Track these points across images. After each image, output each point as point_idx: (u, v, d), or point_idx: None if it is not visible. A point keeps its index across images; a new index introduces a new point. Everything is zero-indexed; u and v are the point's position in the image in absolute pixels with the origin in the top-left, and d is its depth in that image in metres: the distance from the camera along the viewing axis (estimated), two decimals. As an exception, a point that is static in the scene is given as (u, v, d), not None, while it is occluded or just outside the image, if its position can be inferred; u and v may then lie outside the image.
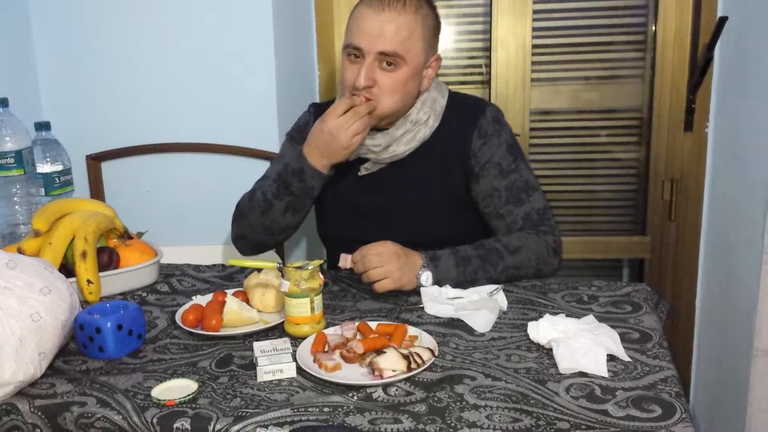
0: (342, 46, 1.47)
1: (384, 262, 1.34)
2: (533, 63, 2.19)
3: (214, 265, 1.62)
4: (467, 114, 1.54)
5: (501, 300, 1.32)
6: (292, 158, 1.49)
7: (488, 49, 2.19)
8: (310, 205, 1.54)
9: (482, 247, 1.45)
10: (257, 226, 1.55)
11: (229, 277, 1.55)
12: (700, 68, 2.04)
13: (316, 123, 1.46)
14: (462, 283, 1.39)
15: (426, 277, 1.38)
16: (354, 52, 1.43)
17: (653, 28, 2.13)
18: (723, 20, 1.94)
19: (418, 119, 1.49)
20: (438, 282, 1.38)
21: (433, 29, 1.47)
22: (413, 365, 1.07)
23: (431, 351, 1.12)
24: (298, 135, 1.63)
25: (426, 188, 1.53)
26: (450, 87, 1.61)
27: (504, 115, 1.58)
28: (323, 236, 1.69)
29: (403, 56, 1.41)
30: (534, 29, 2.17)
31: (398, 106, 1.46)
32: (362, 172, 1.54)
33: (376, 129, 1.49)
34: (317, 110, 1.62)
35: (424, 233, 1.48)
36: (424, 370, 1.08)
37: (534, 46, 2.18)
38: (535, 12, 2.15)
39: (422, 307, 1.33)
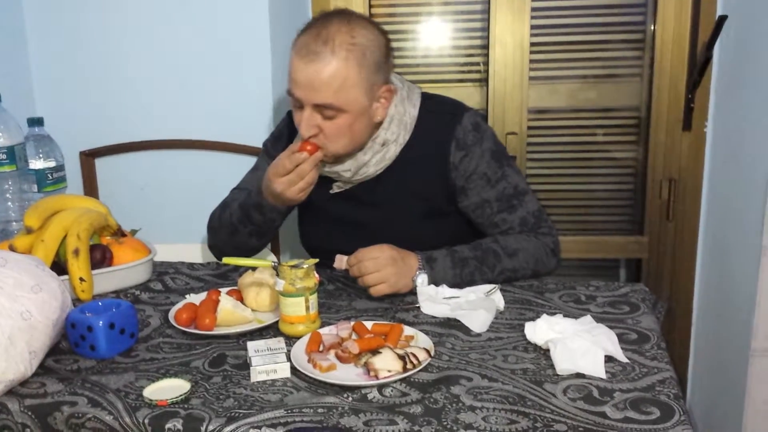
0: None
1: (380, 267, 1.33)
2: (531, 61, 2.17)
3: (208, 263, 1.61)
4: (442, 122, 1.48)
5: (498, 300, 1.31)
6: (255, 189, 1.47)
7: (486, 46, 2.18)
8: (275, 230, 1.55)
9: (479, 248, 1.43)
10: (227, 244, 1.55)
11: (223, 276, 1.54)
12: (699, 67, 2.03)
13: (267, 171, 1.39)
14: (459, 285, 1.38)
15: (422, 280, 1.36)
16: (295, 101, 1.38)
17: (652, 26, 2.12)
18: (722, 19, 1.93)
19: (386, 139, 1.44)
20: (434, 283, 1.37)
21: (375, 63, 1.36)
22: (409, 366, 1.06)
23: (427, 351, 1.10)
24: (272, 146, 1.61)
25: (402, 200, 1.49)
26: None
27: (483, 118, 1.51)
28: (306, 248, 1.66)
29: (340, 107, 1.34)
30: (532, 27, 2.15)
31: (349, 148, 1.41)
32: (334, 189, 1.51)
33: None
34: (291, 121, 1.55)
35: (402, 244, 1.41)
36: (420, 370, 1.07)
37: (532, 44, 2.16)
38: (533, 9, 2.14)
39: (418, 307, 1.31)
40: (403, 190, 1.49)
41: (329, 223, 1.56)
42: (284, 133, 1.61)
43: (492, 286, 1.36)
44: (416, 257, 1.38)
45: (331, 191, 1.51)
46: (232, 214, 1.52)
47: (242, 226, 1.49)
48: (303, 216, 1.63)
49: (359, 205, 1.51)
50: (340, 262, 1.37)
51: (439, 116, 1.49)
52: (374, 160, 1.45)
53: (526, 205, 1.49)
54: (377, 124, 1.43)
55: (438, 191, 1.49)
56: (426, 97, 1.51)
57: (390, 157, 1.46)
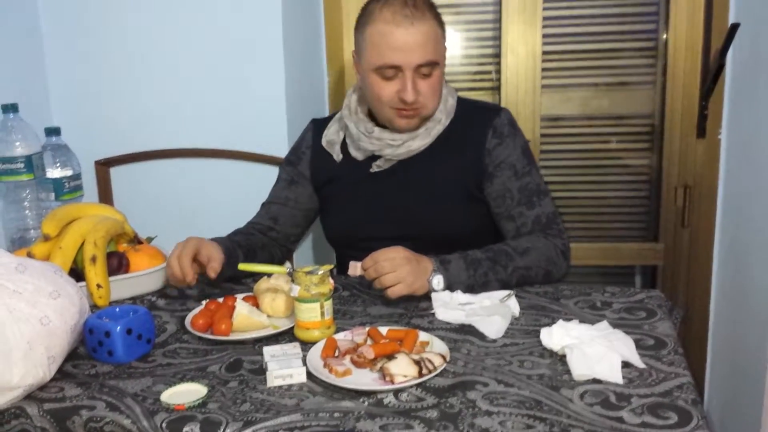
0: (366, 66, 1.48)
1: (396, 267, 1.33)
2: (543, 69, 2.18)
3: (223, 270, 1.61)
4: (481, 113, 1.58)
5: (513, 306, 1.31)
6: None
7: (498, 55, 2.18)
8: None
9: (491, 250, 1.45)
10: None
11: (239, 282, 1.54)
12: (712, 74, 2.03)
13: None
14: (473, 287, 1.39)
15: (437, 280, 1.37)
16: (388, 72, 1.45)
17: (664, 34, 2.12)
18: (735, 27, 1.93)
19: (435, 117, 1.53)
20: (449, 286, 1.37)
21: (442, 23, 1.50)
22: (424, 371, 1.06)
23: (443, 357, 1.10)
24: (292, 155, 1.69)
25: (437, 184, 1.55)
26: (459, 93, 1.62)
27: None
28: (332, 239, 1.69)
29: (437, 60, 1.46)
30: (544, 36, 2.16)
31: (437, 106, 1.53)
32: (374, 168, 1.56)
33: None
34: (316, 126, 1.68)
35: (435, 228, 1.49)
36: (436, 375, 1.07)
37: (544, 53, 2.17)
38: (545, 19, 2.15)
39: (433, 313, 1.31)
40: (439, 173, 1.55)
41: (362, 206, 1.59)
42: (307, 140, 1.68)
43: (507, 292, 1.35)
44: (430, 260, 1.38)
45: (371, 170, 1.56)
46: None
47: None
48: (333, 204, 1.65)
49: (396, 185, 1.56)
50: (354, 268, 1.37)
51: (477, 109, 1.61)
52: (422, 134, 1.53)
53: (543, 205, 1.53)
54: None
55: (471, 176, 1.55)
56: (461, 97, 1.62)
57: (433, 135, 1.54)
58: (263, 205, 1.70)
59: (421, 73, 1.45)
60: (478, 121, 1.56)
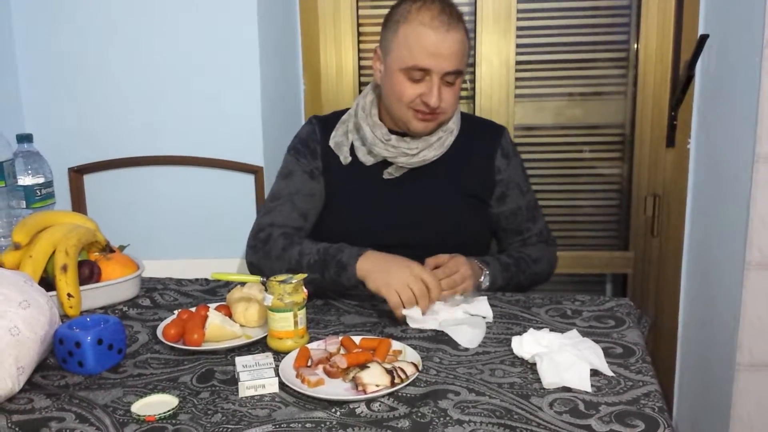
0: (393, 64, 1.46)
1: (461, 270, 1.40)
2: (517, 79, 2.21)
3: (196, 279, 1.61)
4: (487, 131, 1.64)
5: (486, 310, 1.33)
6: (349, 253, 1.39)
7: (472, 64, 2.20)
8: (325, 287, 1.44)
9: (512, 256, 1.58)
10: (274, 272, 1.40)
11: (212, 291, 1.54)
12: (681, 85, 2.07)
13: (407, 265, 1.32)
14: (503, 287, 1.51)
15: (486, 281, 1.47)
16: (416, 74, 1.45)
17: (635, 45, 2.15)
18: (704, 38, 1.96)
19: (448, 127, 1.56)
20: (490, 285, 1.48)
21: None
22: (397, 380, 1.06)
23: (415, 366, 1.11)
24: (304, 148, 1.60)
25: (444, 193, 1.58)
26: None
27: None
28: (332, 241, 1.54)
29: (462, 70, 1.48)
30: (518, 46, 2.19)
31: (453, 114, 1.56)
32: (386, 176, 1.57)
33: (409, 135, 1.54)
34: (321, 123, 1.62)
35: (439, 236, 1.53)
36: (408, 385, 1.08)
37: (518, 63, 2.20)
38: (518, 29, 2.17)
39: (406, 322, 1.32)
40: (447, 183, 1.58)
41: (368, 211, 1.57)
42: (314, 134, 1.61)
43: (481, 298, 1.37)
44: (475, 261, 1.47)
45: (383, 177, 1.57)
46: (303, 255, 1.42)
47: (309, 271, 1.38)
48: (340, 203, 1.59)
49: (404, 192, 1.57)
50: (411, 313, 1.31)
51: (482, 125, 1.67)
52: (437, 144, 1.54)
53: (541, 218, 1.68)
54: None
55: (479, 188, 1.61)
56: (462, 112, 1.65)
57: (446, 145, 1.56)
58: (279, 200, 1.56)
59: (446, 80, 1.46)
60: (485, 136, 1.62)
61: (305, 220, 1.56)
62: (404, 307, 1.29)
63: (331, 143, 1.58)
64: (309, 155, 1.59)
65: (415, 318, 1.30)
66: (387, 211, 1.57)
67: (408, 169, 1.56)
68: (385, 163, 1.56)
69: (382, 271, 1.32)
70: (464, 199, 1.59)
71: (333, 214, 1.60)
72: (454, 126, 1.57)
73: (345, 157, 1.57)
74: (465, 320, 1.29)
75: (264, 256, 1.48)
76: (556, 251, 1.70)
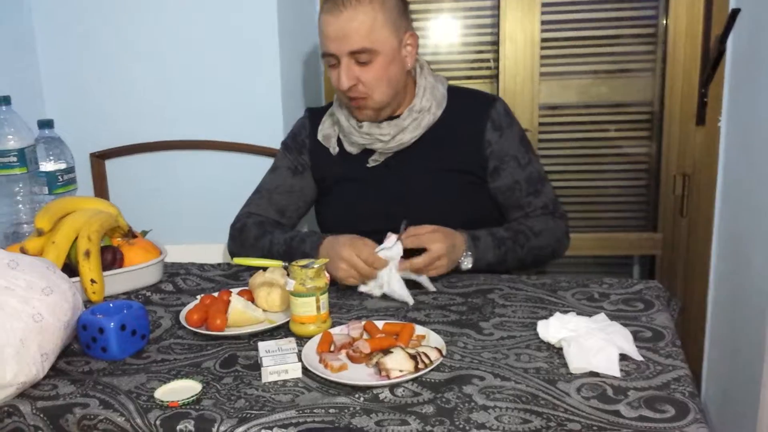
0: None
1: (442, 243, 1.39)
2: (542, 57, 2.16)
3: (219, 264, 1.61)
4: (475, 103, 1.58)
5: (425, 282, 1.39)
6: (310, 240, 1.47)
7: (496, 43, 2.16)
8: None
9: (511, 229, 1.52)
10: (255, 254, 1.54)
11: (234, 276, 1.54)
12: (712, 61, 2.01)
13: (341, 247, 1.38)
14: (493, 264, 1.46)
15: (467, 262, 1.44)
16: (330, 60, 1.47)
17: (664, 20, 2.09)
18: (735, 12, 1.90)
19: (422, 107, 1.53)
20: (475, 263, 1.44)
21: (396, 9, 1.47)
22: (421, 365, 1.05)
23: (439, 351, 1.10)
24: (292, 142, 1.67)
25: (435, 175, 1.55)
26: (457, 82, 1.62)
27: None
28: (329, 232, 1.65)
29: (373, 48, 1.44)
30: (542, 22, 2.14)
31: (390, 93, 1.50)
32: (371, 164, 1.56)
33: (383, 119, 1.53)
34: (312, 115, 1.67)
35: (434, 219, 1.47)
36: (432, 370, 1.06)
37: (543, 40, 2.15)
38: (543, 5, 2.12)
39: (431, 302, 1.31)
40: (436, 163, 1.55)
41: (361, 199, 1.58)
42: (306, 127, 1.66)
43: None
44: (463, 238, 1.43)
45: (367, 165, 1.56)
46: (273, 244, 1.51)
47: (279, 258, 1.47)
48: (331, 201, 1.64)
49: (395, 177, 1.56)
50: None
51: (472, 98, 1.60)
52: (411, 126, 1.52)
53: (547, 191, 1.59)
54: (406, 78, 1.54)
55: (471, 164, 1.56)
56: (452, 86, 1.61)
57: (424, 126, 1.53)
58: (260, 193, 1.65)
59: (359, 60, 1.44)
60: (474, 110, 1.56)
61: (282, 215, 1.63)
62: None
63: (319, 136, 1.62)
64: (296, 150, 1.65)
65: (364, 289, 1.38)
66: (380, 197, 1.56)
67: (393, 154, 1.55)
68: (370, 151, 1.56)
69: (329, 257, 1.38)
70: (459, 176, 1.55)
71: (328, 204, 1.65)
72: (430, 104, 1.53)
73: (333, 148, 1.60)
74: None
75: (240, 245, 1.58)
76: (566, 225, 1.60)
